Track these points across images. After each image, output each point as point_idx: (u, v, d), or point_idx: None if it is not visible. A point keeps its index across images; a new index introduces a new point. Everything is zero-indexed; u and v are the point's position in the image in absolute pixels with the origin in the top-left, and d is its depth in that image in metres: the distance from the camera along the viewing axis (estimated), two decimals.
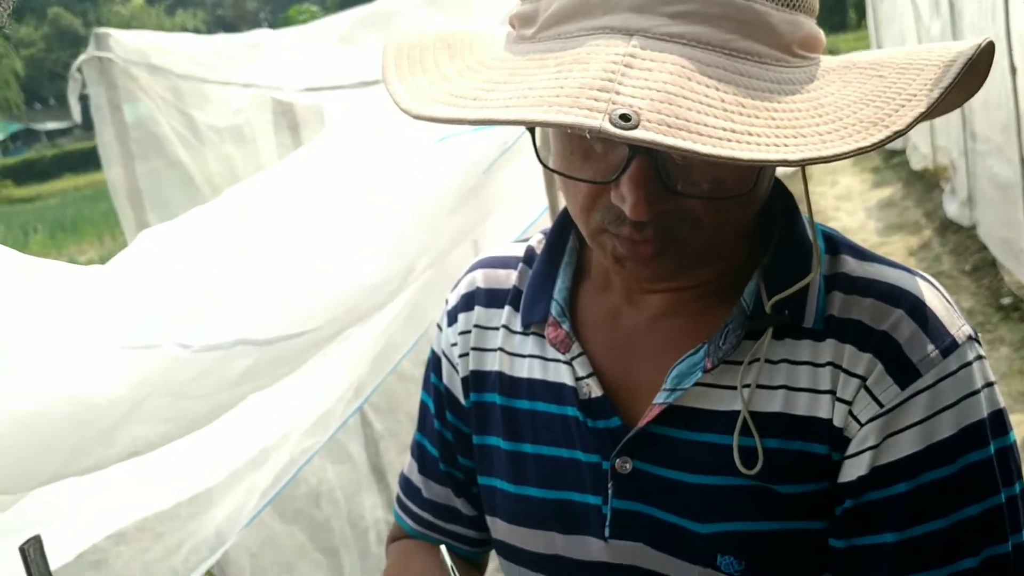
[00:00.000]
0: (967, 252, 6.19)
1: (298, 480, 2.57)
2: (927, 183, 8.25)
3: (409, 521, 1.15)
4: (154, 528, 2.23)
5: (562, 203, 0.95)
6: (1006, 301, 5.34)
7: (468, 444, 1.05)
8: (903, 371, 0.82)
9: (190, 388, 1.18)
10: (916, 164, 8.78)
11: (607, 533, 0.90)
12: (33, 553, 1.13)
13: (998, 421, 0.83)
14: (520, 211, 1.94)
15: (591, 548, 0.92)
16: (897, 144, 9.41)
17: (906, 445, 0.81)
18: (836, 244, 0.91)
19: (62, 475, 1.20)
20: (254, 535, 2.67)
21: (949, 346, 0.83)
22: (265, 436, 2.01)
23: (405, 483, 1.15)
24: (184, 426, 1.24)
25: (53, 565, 2.07)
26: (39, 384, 1.08)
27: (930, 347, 0.82)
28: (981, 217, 6.03)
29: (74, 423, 1.13)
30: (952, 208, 6.76)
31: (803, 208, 0.90)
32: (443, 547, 0.85)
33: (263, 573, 2.71)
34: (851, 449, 0.83)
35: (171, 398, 1.18)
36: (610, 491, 0.89)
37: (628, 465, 0.89)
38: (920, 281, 0.87)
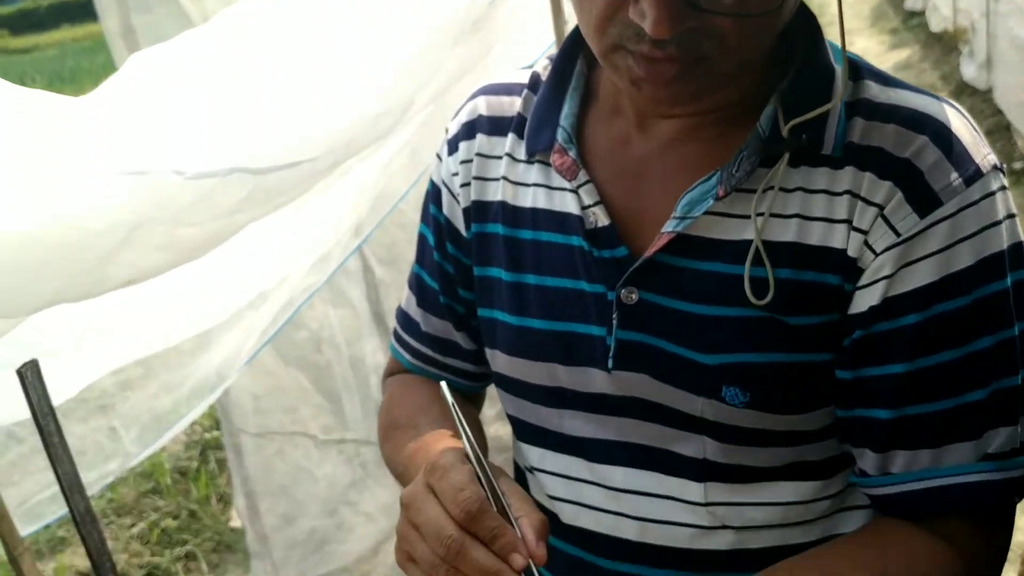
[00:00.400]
0: (982, 115, 6.08)
1: (299, 324, 2.58)
2: (945, 45, 8.03)
3: (407, 355, 1.14)
4: (159, 373, 2.25)
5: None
6: (1018, 166, 5.27)
7: (469, 276, 1.02)
8: (923, 199, 0.79)
9: (185, 215, 1.15)
10: (935, 26, 8.52)
11: (610, 364, 0.88)
12: (31, 376, 1.13)
13: (1017, 254, 0.81)
14: (525, 46, 1.86)
15: (594, 380, 0.90)
16: (917, 4, 9.14)
17: (922, 275, 0.79)
18: (859, 69, 0.86)
19: (57, 300, 1.19)
20: (256, 379, 2.69)
21: (973, 175, 0.80)
22: (265, 277, 2.00)
23: (403, 317, 1.13)
24: (180, 255, 1.22)
25: (57, 400, 2.09)
26: (35, 209, 1.05)
27: (953, 175, 0.79)
28: (998, 80, 5.91)
29: (70, 248, 1.11)
30: (969, 71, 6.60)
31: (835, 31, 0.85)
32: (443, 383, 0.84)
33: (266, 416, 2.75)
34: (864, 279, 0.80)
35: (166, 225, 1.16)
36: (614, 322, 0.87)
37: (634, 295, 0.86)
38: (946, 107, 0.83)
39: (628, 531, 0.91)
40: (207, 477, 3.88)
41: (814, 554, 0.84)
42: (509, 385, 0.99)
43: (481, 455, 0.77)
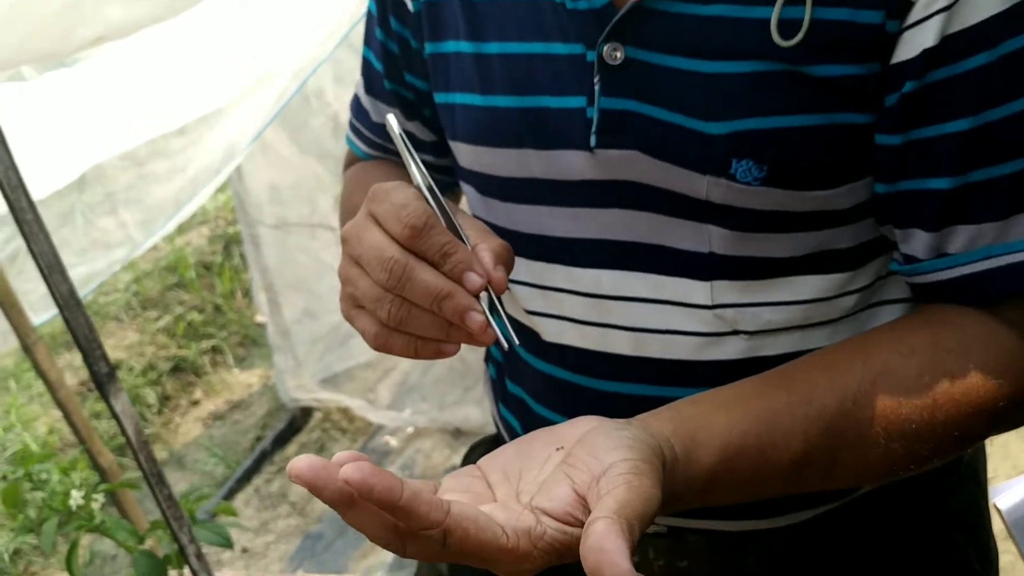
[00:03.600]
0: None
1: (313, 110, 2.43)
2: None
3: (361, 145, 0.99)
4: (165, 157, 2.13)
5: None
6: None
7: (416, 59, 0.85)
8: None
9: None
10: None
11: (593, 142, 0.71)
12: None
13: None
14: None
15: (572, 164, 0.74)
16: None
17: (986, 5, 0.62)
18: None
19: (24, 58, 1.05)
20: (273, 169, 2.57)
21: None
22: (271, 54, 1.85)
23: (355, 104, 0.98)
24: (160, 8, 1.07)
25: (59, 184, 1.98)
26: None
27: None
28: None
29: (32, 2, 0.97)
30: None
31: None
32: (390, 115, 0.68)
33: (284, 207, 2.65)
34: (913, 16, 0.63)
35: None
36: (596, 88, 0.70)
37: (619, 53, 0.69)
38: None
39: (621, 345, 0.78)
40: (231, 272, 3.84)
41: (852, 343, 0.69)
42: (475, 181, 0.83)
43: (435, 186, 0.64)
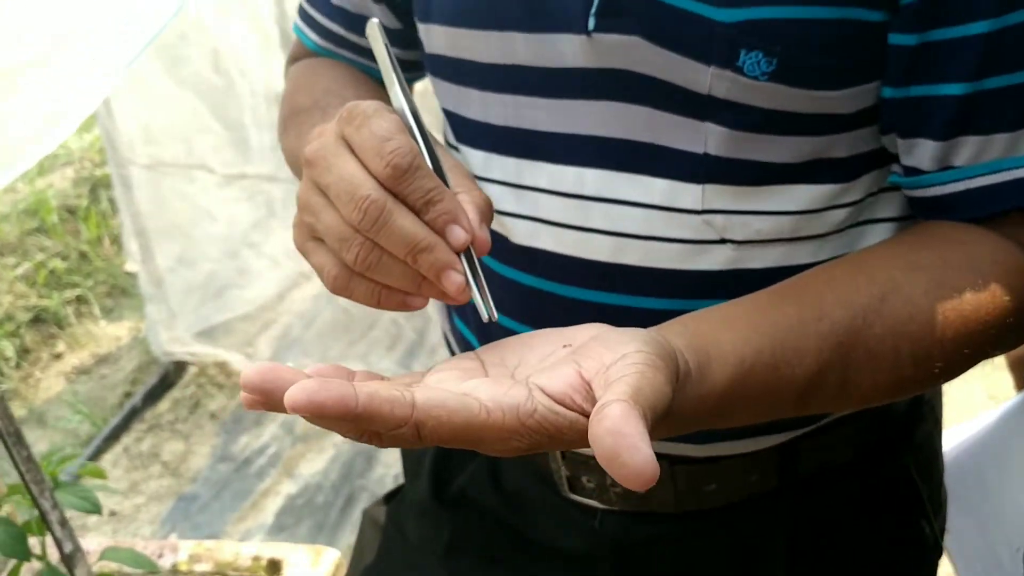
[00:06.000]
0: None
1: (192, 40, 2.25)
2: None
3: (313, 35, 0.90)
4: (15, 84, 1.93)
5: None
6: None
7: None
8: None
9: None
10: None
11: (591, 25, 0.64)
12: None
13: None
14: None
15: (565, 50, 0.67)
16: None
17: None
18: None
19: None
20: (147, 105, 2.39)
21: None
22: None
23: None
24: None
25: None
26: None
27: None
28: None
29: None
30: None
31: None
32: (374, 20, 0.61)
33: (158, 146, 2.46)
34: None
35: None
36: None
37: None
38: None
39: (600, 251, 0.71)
40: (98, 217, 3.60)
41: (855, 260, 0.66)
42: (448, 70, 0.75)
43: (420, 114, 0.56)
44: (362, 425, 0.44)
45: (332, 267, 0.56)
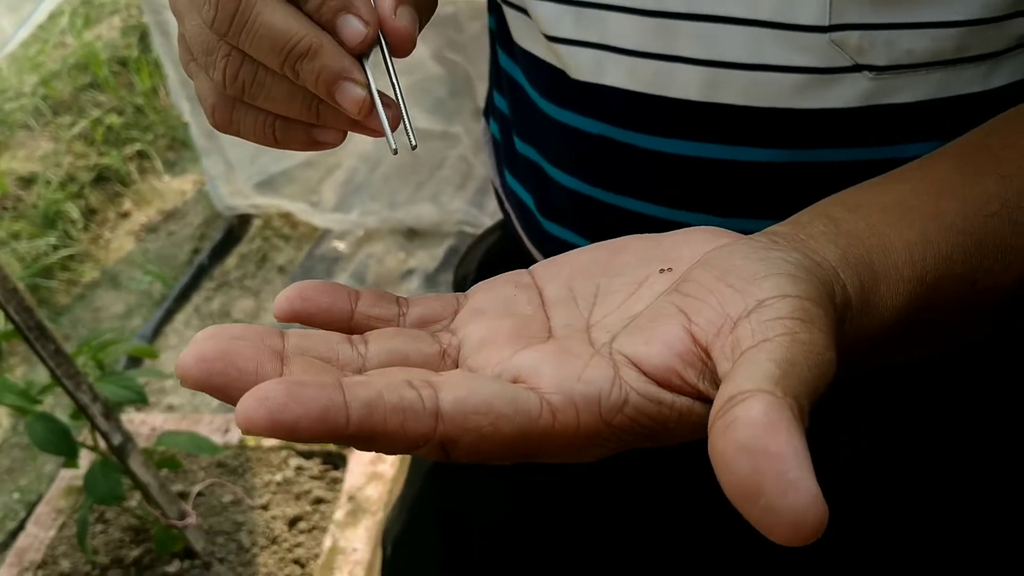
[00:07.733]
0: None
1: None
2: None
3: None
4: None
5: None
6: None
7: None
8: None
9: None
10: None
11: None
12: None
13: None
14: None
15: None
16: None
17: None
18: None
19: None
20: None
21: None
22: None
23: None
24: None
25: None
26: None
27: None
28: None
29: None
30: None
31: None
32: None
33: None
34: None
35: None
36: None
37: None
38: None
39: (686, 87, 0.52)
40: (150, 67, 3.45)
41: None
42: None
43: None
44: (359, 445, 0.29)
45: (209, 94, 0.41)
